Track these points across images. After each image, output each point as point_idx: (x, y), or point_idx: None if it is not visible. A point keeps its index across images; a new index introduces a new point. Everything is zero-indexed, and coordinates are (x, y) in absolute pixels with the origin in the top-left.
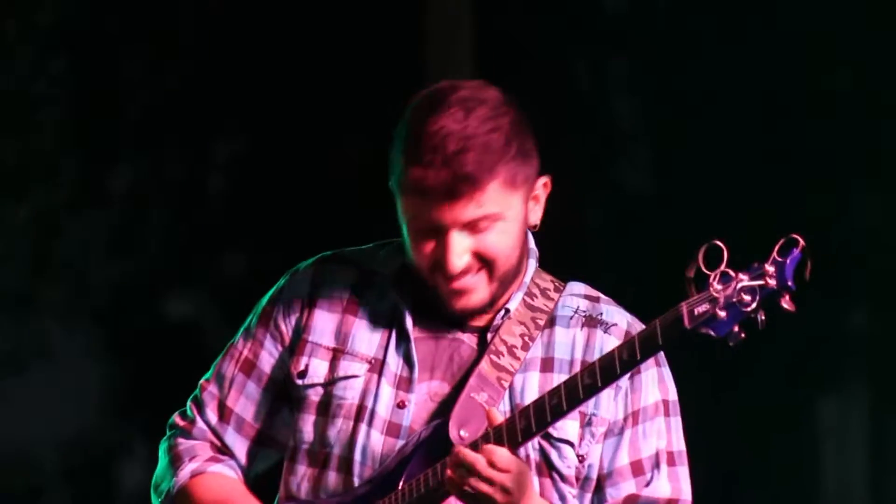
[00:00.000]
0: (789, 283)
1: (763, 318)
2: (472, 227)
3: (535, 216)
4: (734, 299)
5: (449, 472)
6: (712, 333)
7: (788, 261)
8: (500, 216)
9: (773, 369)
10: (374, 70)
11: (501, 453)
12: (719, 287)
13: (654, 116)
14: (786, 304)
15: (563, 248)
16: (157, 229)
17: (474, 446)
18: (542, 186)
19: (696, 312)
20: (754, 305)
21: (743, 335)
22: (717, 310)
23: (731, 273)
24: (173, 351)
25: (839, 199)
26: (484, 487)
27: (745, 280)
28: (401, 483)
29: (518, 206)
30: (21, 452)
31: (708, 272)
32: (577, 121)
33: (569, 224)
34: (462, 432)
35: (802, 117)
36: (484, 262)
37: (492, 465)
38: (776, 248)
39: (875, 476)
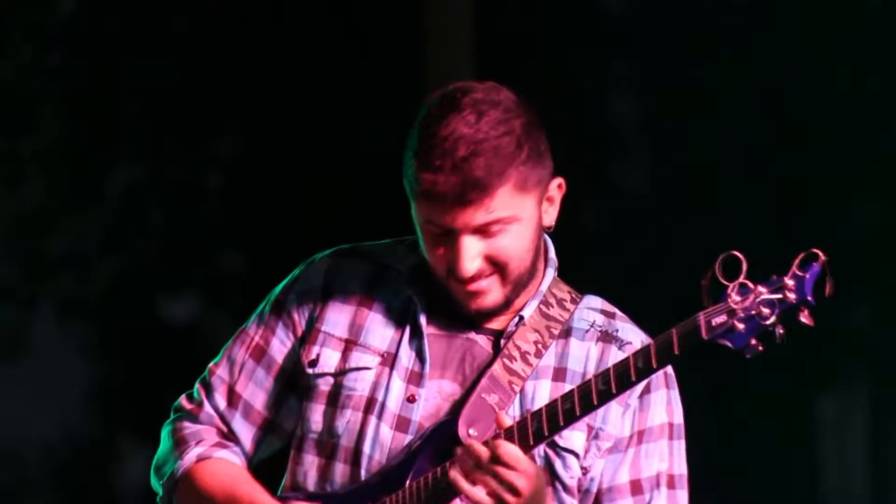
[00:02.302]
0: (809, 298)
1: (781, 332)
2: (484, 230)
3: (550, 217)
4: (753, 312)
5: (457, 465)
6: (729, 345)
7: (808, 275)
8: (513, 219)
9: (772, 366)
10: (375, 70)
11: (510, 449)
12: (738, 299)
13: (653, 116)
14: (805, 318)
15: (559, 248)
16: (154, 228)
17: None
18: (557, 187)
19: (713, 323)
20: (773, 319)
21: (761, 348)
22: (736, 322)
23: (750, 285)
24: (169, 350)
25: (839, 197)
26: (491, 483)
27: (764, 293)
28: (408, 480)
29: (531, 209)
30: (13, 451)
31: (725, 282)
32: (577, 121)
33: (566, 225)
34: (471, 431)
35: (802, 117)
36: (497, 265)
37: (498, 460)
38: (796, 261)
39: (875, 473)
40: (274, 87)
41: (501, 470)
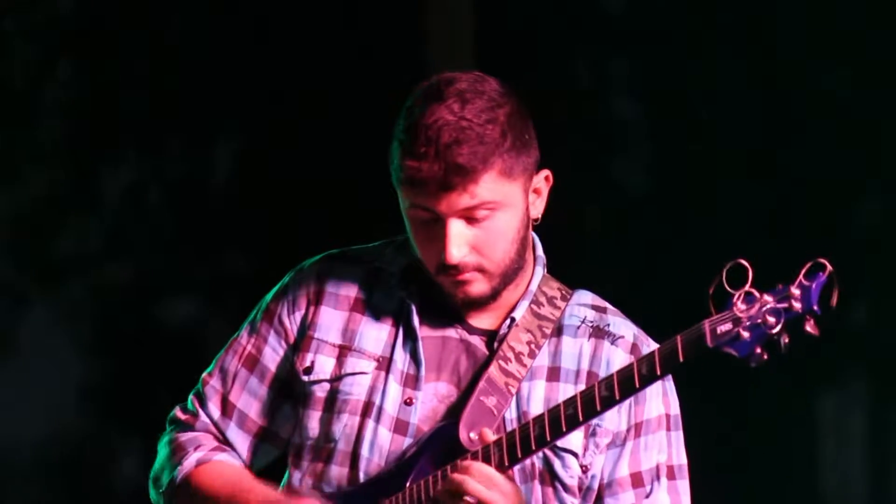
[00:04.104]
0: (815, 308)
1: (786, 341)
2: (469, 217)
3: (537, 210)
4: (758, 320)
5: (440, 487)
6: (734, 353)
7: (814, 285)
8: (499, 204)
9: (772, 366)
10: (374, 69)
11: (482, 468)
12: (743, 307)
13: (654, 116)
14: (810, 328)
15: (561, 247)
16: (154, 228)
17: (486, 451)
18: (544, 179)
19: (718, 331)
20: (778, 328)
21: (766, 357)
22: (741, 330)
23: (756, 294)
24: (168, 350)
25: (840, 197)
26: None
27: (770, 302)
28: (408, 483)
29: (517, 196)
30: (5, 450)
31: (731, 291)
32: (577, 121)
33: (567, 224)
34: (472, 435)
35: (802, 117)
36: (483, 254)
37: (473, 480)
38: (802, 271)
39: (875, 473)
40: (274, 88)
41: (474, 488)
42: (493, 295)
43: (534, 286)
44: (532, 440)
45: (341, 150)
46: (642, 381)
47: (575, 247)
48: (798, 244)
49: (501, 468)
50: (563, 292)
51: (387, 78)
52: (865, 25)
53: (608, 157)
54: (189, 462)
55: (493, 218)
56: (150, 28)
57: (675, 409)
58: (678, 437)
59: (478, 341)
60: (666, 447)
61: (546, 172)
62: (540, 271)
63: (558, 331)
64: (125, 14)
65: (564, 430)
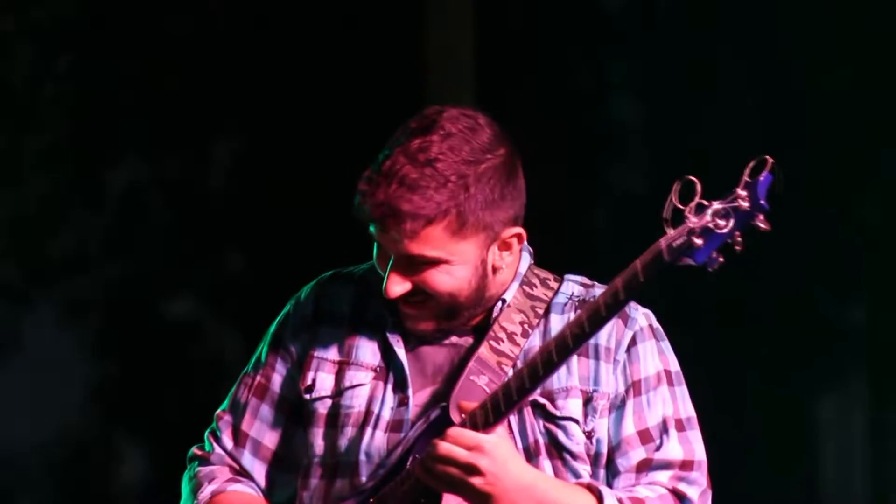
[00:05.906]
0: (762, 203)
1: (740, 240)
2: (410, 261)
3: (505, 262)
4: (709, 224)
5: (418, 467)
6: (691, 262)
7: (760, 180)
8: (441, 261)
9: (772, 366)
10: (374, 69)
11: (460, 433)
12: (695, 219)
13: (654, 117)
14: (761, 223)
15: (561, 249)
16: (154, 228)
17: (472, 417)
18: (515, 237)
19: (674, 245)
20: (729, 228)
21: (721, 259)
22: (694, 238)
23: (705, 203)
24: (168, 350)
25: (839, 197)
26: (451, 470)
27: (718, 206)
28: (408, 464)
29: (469, 254)
30: (9, 452)
31: (683, 207)
32: (577, 122)
33: (568, 225)
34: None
35: (802, 117)
36: (426, 294)
37: (453, 444)
38: (747, 170)
39: (875, 473)
40: (273, 88)
41: (456, 454)
42: (440, 329)
43: (522, 269)
44: (513, 391)
45: (341, 150)
46: (608, 310)
47: (574, 249)
48: (798, 245)
49: (487, 427)
50: (555, 276)
51: (387, 78)
52: (866, 25)
53: (608, 158)
54: (204, 496)
55: (436, 269)
56: (150, 28)
57: (675, 365)
58: (682, 391)
59: (468, 340)
60: (671, 401)
61: (518, 230)
62: (526, 256)
63: (547, 311)
64: (125, 14)
65: (542, 374)
